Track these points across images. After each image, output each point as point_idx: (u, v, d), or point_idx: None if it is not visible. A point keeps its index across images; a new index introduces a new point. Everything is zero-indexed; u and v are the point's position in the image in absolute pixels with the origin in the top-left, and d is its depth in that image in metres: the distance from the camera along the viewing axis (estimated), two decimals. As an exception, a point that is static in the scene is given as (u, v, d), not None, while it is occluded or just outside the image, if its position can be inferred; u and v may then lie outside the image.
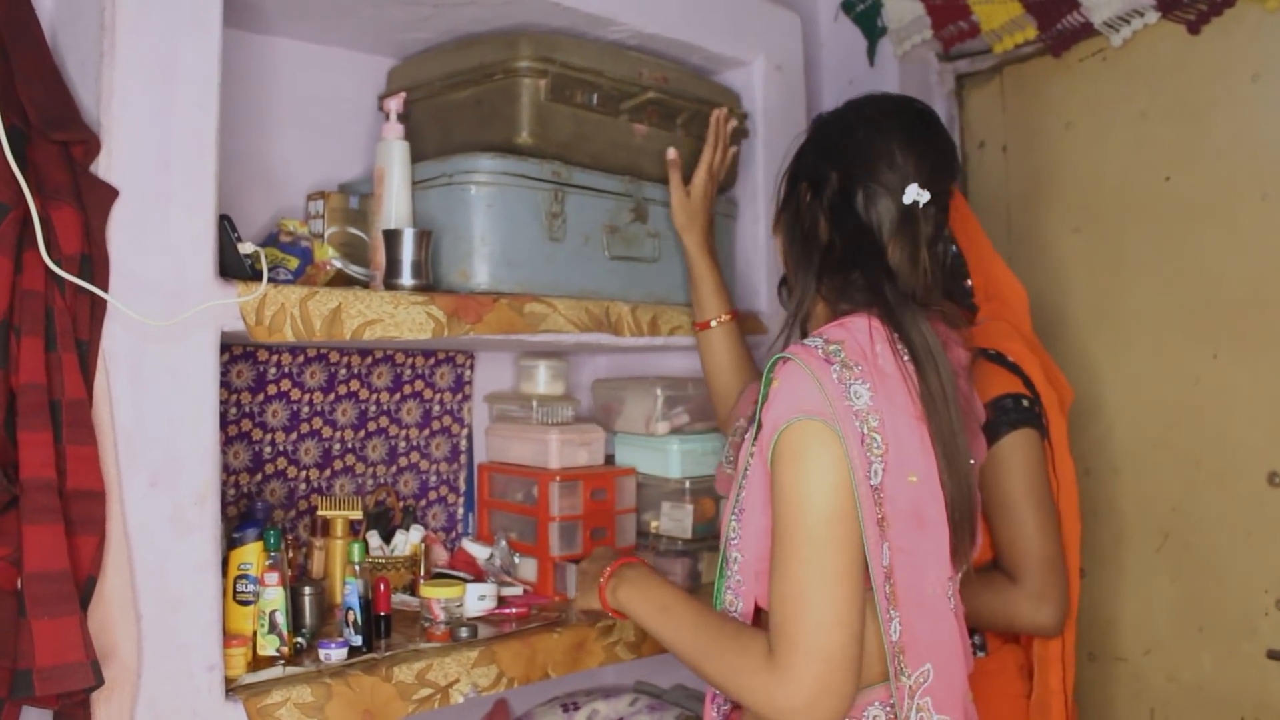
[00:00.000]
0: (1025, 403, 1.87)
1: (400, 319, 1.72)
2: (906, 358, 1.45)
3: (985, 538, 1.85)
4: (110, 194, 1.43)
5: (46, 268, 1.37)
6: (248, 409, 2.08)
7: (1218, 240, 2.24)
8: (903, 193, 1.53)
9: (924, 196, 1.53)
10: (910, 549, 1.41)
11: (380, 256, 1.87)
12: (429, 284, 1.83)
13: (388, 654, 1.75)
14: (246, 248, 1.63)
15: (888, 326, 1.46)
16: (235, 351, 2.06)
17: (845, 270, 1.54)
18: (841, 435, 1.35)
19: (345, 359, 2.21)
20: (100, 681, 1.33)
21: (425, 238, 1.83)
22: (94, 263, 1.41)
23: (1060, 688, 1.92)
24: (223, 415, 2.01)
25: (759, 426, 1.44)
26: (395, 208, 1.92)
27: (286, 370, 2.13)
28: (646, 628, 1.56)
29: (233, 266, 1.60)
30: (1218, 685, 2.26)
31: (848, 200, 1.55)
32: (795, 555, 1.33)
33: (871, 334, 1.44)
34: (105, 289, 1.42)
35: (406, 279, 1.81)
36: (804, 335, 1.54)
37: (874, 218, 1.54)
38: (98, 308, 1.42)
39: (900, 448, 1.40)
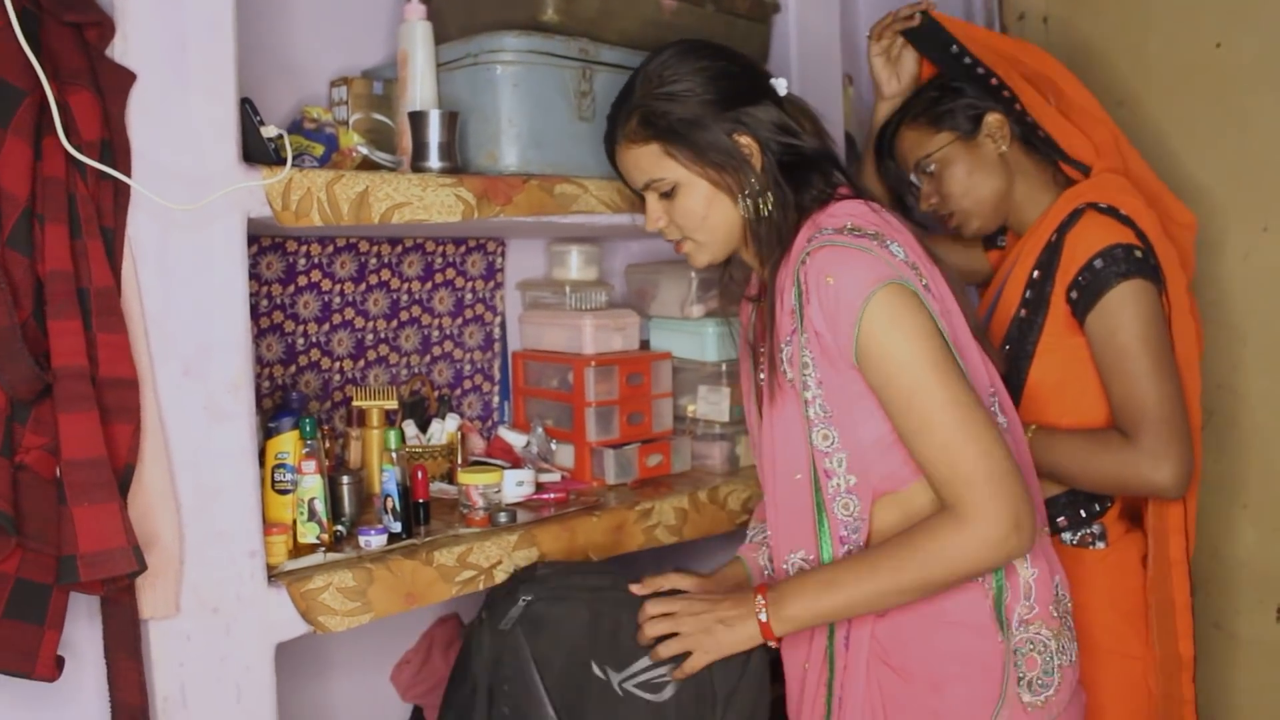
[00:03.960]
0: (1138, 254, 1.79)
1: (429, 201, 1.68)
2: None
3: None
4: (128, 78, 1.40)
5: (67, 154, 1.34)
6: (279, 301, 2.07)
7: (1272, 108, 2.16)
8: (775, 90, 1.64)
9: (781, 83, 1.66)
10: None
11: (406, 141, 1.83)
12: (457, 166, 1.80)
13: (428, 539, 1.76)
14: (270, 131, 1.60)
15: (860, 199, 1.57)
16: (264, 243, 2.04)
17: (804, 177, 1.59)
18: (914, 288, 1.44)
19: (375, 248, 2.18)
20: (143, 566, 1.34)
21: (452, 119, 1.79)
22: (115, 149, 1.39)
23: (1182, 557, 1.85)
24: (254, 307, 2.00)
25: (801, 329, 1.48)
26: (420, 91, 1.88)
27: (316, 261, 2.11)
28: (832, 616, 1.49)
29: (256, 151, 1.57)
30: (1261, 561, 2.24)
31: (761, 122, 1.58)
32: (934, 404, 1.39)
33: (865, 206, 1.55)
34: (128, 175, 1.39)
35: (434, 162, 1.77)
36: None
37: (790, 121, 1.61)
38: (121, 194, 1.40)
39: (936, 287, 1.51)
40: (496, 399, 2.39)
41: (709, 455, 2.24)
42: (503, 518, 1.84)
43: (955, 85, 1.99)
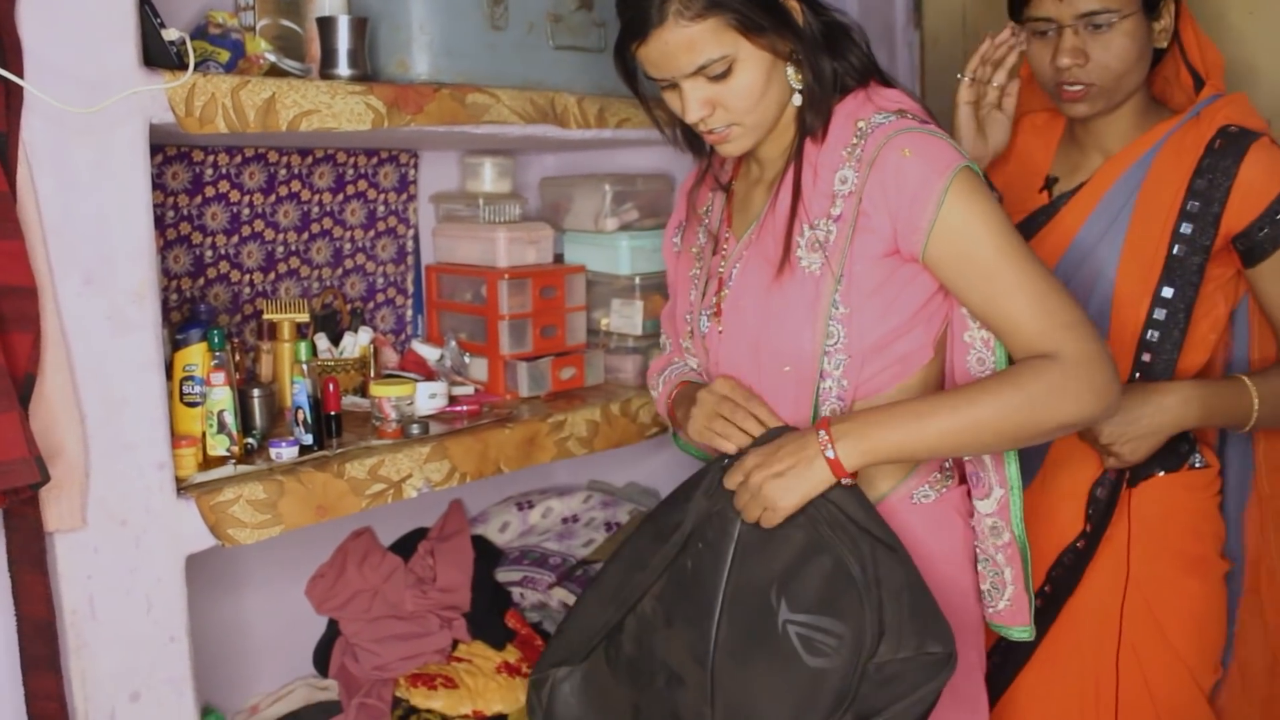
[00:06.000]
0: None
1: (338, 109, 1.65)
2: None
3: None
4: (17, -27, 1.35)
5: (-45, 53, 1.29)
6: (185, 212, 2.03)
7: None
8: None
9: None
10: None
11: (315, 48, 1.79)
12: (367, 74, 1.77)
13: (339, 451, 1.75)
14: (171, 34, 1.54)
15: (895, 87, 1.54)
16: (169, 153, 1.99)
17: (842, 46, 1.52)
18: (979, 173, 1.44)
19: (285, 159, 2.14)
20: (46, 478, 1.32)
21: (361, 25, 1.76)
22: (4, 48, 1.33)
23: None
24: (160, 219, 1.96)
25: (854, 214, 1.45)
26: (329, -4, 1.84)
27: (224, 171, 2.06)
28: (916, 449, 1.41)
29: (158, 55, 1.52)
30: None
31: None
32: (1022, 263, 1.41)
33: (906, 94, 1.52)
34: (19, 76, 1.34)
35: (343, 69, 1.74)
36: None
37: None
38: (13, 97, 1.35)
39: None
40: (410, 312, 2.38)
41: (621, 368, 2.26)
42: (415, 430, 1.85)
43: None
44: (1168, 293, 1.70)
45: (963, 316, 1.50)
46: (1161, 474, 1.76)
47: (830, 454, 1.38)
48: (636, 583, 1.51)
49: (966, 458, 1.54)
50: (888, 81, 1.55)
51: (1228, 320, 1.78)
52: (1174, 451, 1.74)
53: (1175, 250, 1.69)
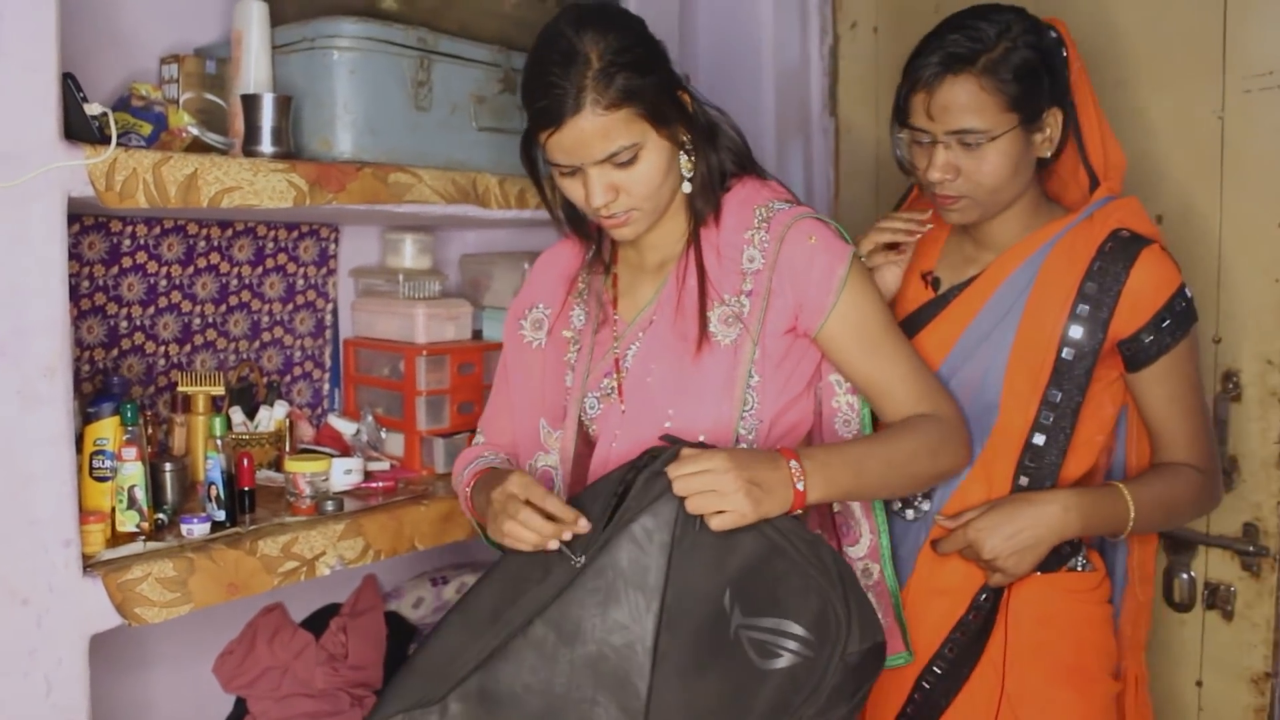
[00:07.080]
0: (1190, 296, 1.68)
1: (260, 187, 1.66)
2: None
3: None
4: (-61, 47, 1.35)
5: (-128, 125, 1.28)
6: (101, 282, 2.01)
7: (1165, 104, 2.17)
8: None
9: None
10: None
11: (239, 123, 1.80)
12: (290, 152, 1.78)
13: (252, 528, 1.74)
14: (94, 109, 1.55)
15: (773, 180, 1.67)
16: (86, 222, 1.97)
17: (724, 138, 1.63)
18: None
19: (204, 231, 2.14)
20: (-53, 556, 1.30)
21: (285, 104, 1.77)
22: (-75, 121, 1.33)
23: (1150, 585, 1.84)
24: (75, 289, 1.94)
25: (766, 291, 1.55)
26: (254, 73, 1.85)
27: (142, 242, 2.05)
28: (859, 487, 1.50)
29: (79, 129, 1.52)
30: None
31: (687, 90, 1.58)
32: (901, 339, 1.61)
33: (783, 189, 1.65)
34: (-62, 149, 1.34)
35: (266, 146, 1.75)
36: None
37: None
38: (-69, 170, 1.34)
39: None
40: (327, 386, 2.37)
41: (541, 445, 2.27)
42: (329, 506, 1.84)
43: (1044, 51, 1.65)
44: (1055, 396, 1.67)
45: (830, 385, 1.64)
46: (1038, 574, 1.69)
47: (800, 486, 1.41)
48: (526, 602, 1.40)
49: (837, 509, 1.67)
50: (764, 174, 1.67)
51: (1114, 423, 1.76)
52: (1054, 551, 1.67)
53: (1064, 353, 1.66)
